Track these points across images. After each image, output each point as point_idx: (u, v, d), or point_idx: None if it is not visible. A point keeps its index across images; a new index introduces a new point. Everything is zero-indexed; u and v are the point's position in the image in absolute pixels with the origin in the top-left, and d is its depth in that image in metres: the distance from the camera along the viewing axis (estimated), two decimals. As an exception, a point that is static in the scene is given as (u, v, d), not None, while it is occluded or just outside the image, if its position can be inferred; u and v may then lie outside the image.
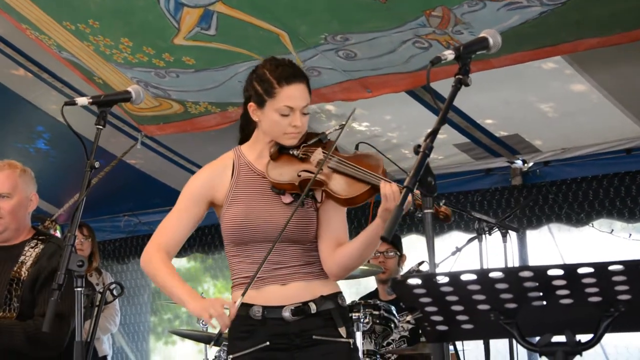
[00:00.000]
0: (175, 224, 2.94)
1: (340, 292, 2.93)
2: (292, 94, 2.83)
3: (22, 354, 3.38)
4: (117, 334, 7.37)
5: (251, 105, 2.90)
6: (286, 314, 2.81)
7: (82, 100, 2.83)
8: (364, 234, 2.79)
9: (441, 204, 2.67)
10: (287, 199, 2.86)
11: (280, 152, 2.91)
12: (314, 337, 2.82)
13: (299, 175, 2.83)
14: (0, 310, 3.43)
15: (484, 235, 4.47)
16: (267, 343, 2.81)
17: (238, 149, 3.00)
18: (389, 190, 2.66)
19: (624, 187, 5.34)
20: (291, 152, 2.90)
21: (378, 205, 2.70)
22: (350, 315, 3.92)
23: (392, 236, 2.08)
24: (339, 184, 2.78)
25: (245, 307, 2.82)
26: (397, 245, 5.27)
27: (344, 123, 2.90)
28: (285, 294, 2.83)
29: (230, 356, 2.87)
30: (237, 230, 2.85)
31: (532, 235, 5.78)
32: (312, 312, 2.83)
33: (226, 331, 2.80)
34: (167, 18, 4.43)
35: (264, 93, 2.85)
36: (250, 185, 2.90)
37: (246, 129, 3.01)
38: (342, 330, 2.85)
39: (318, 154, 2.85)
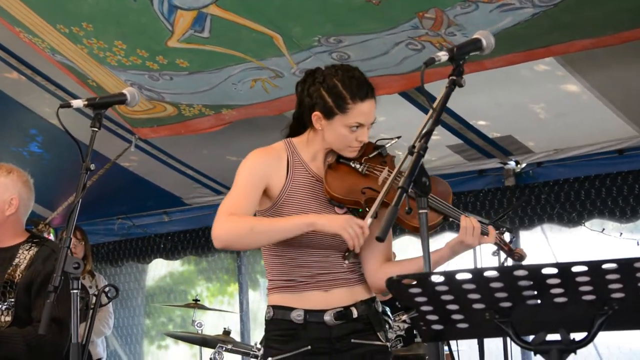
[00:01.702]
0: (243, 199, 2.75)
1: (376, 297, 2.92)
2: (364, 111, 2.76)
3: None
4: (111, 337, 7.37)
5: (316, 114, 2.78)
6: (328, 317, 2.79)
7: (77, 103, 2.82)
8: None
9: (514, 246, 2.69)
10: (342, 210, 2.82)
11: (338, 162, 2.84)
12: (352, 340, 2.81)
13: (363, 193, 2.76)
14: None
15: (477, 236, 4.48)
16: (309, 347, 2.79)
17: (290, 142, 2.89)
18: (469, 224, 2.65)
19: (616, 187, 5.37)
20: (353, 165, 2.82)
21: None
22: None
23: (386, 236, 2.10)
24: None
25: (285, 310, 2.80)
26: None
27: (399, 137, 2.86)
28: (328, 299, 2.81)
29: (270, 359, 2.82)
30: None
31: (526, 236, 5.81)
32: (354, 316, 2.81)
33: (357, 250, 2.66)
34: (161, 20, 4.43)
35: (335, 106, 2.75)
36: (305, 187, 2.83)
37: (297, 128, 2.91)
38: (381, 335, 2.85)
39: (385, 174, 2.78)
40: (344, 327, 2.80)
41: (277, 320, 2.82)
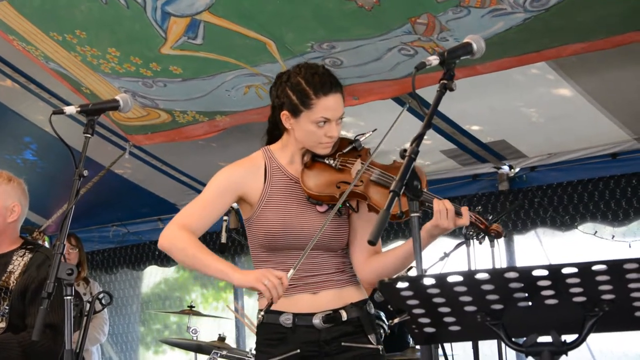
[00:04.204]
0: (200, 212, 2.85)
1: (368, 299, 2.92)
2: (329, 105, 2.79)
3: None
4: (107, 344, 7.37)
5: (284, 114, 2.84)
6: (317, 321, 2.80)
7: (70, 109, 2.82)
8: (406, 247, 2.76)
9: (492, 222, 2.68)
10: (323, 207, 2.83)
11: (314, 160, 2.87)
12: (343, 344, 2.81)
13: (338, 187, 2.79)
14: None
15: (471, 240, 4.50)
16: (298, 350, 2.80)
17: (268, 150, 2.95)
18: (442, 207, 2.64)
19: (609, 191, 5.39)
20: (327, 162, 2.86)
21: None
22: None
23: (378, 240, 2.11)
24: (383, 199, 2.72)
25: (275, 314, 2.82)
26: None
27: (374, 130, 2.87)
28: (316, 302, 2.82)
29: None
30: (272, 237, 2.81)
31: (519, 240, 5.83)
32: (343, 319, 2.82)
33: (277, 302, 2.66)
34: (154, 27, 4.44)
35: (300, 103, 2.80)
36: (284, 190, 2.86)
37: (274, 133, 2.97)
38: (372, 337, 2.85)
39: (358, 166, 2.81)
40: (333, 330, 2.81)
41: (267, 324, 2.84)
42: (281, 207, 2.83)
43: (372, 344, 2.85)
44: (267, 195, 2.85)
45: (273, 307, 2.79)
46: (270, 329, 2.83)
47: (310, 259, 2.80)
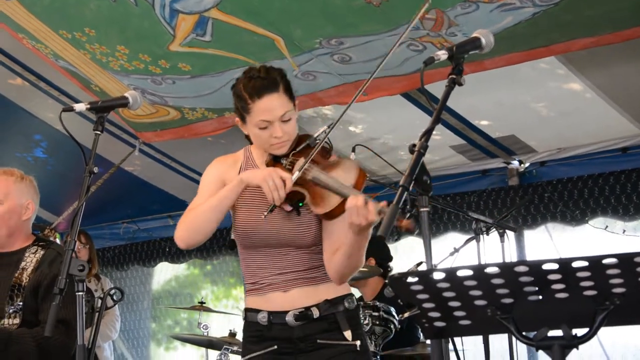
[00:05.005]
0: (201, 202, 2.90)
1: (349, 294, 2.91)
2: (265, 107, 2.78)
3: None
4: (118, 340, 7.40)
5: (237, 120, 2.91)
6: (289, 318, 2.82)
7: (79, 106, 2.84)
8: (349, 237, 2.67)
9: (404, 218, 2.54)
10: (287, 207, 2.82)
11: (274, 161, 2.88)
12: (318, 341, 2.83)
13: None
14: (4, 317, 3.45)
15: (481, 236, 4.49)
16: (275, 347, 2.84)
17: (248, 149, 3.00)
18: (352, 204, 2.53)
19: (620, 185, 5.38)
20: (282, 161, 2.87)
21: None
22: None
23: (388, 235, 2.11)
24: (317, 197, 2.72)
25: (254, 312, 2.87)
26: None
27: (329, 125, 2.83)
28: (288, 300, 2.84)
29: (243, 359, 2.92)
30: (241, 235, 2.87)
31: (530, 235, 5.81)
32: (315, 317, 2.82)
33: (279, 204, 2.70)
34: (163, 25, 4.46)
35: (242, 109, 2.83)
36: (255, 189, 2.87)
37: (249, 137, 2.99)
38: (347, 334, 2.84)
39: (301, 162, 2.79)
40: (306, 327, 2.82)
41: (249, 322, 2.90)
42: (249, 205, 2.86)
43: (346, 340, 2.82)
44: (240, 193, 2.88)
45: (251, 306, 2.87)
46: (251, 326, 2.90)
47: (280, 257, 2.84)
